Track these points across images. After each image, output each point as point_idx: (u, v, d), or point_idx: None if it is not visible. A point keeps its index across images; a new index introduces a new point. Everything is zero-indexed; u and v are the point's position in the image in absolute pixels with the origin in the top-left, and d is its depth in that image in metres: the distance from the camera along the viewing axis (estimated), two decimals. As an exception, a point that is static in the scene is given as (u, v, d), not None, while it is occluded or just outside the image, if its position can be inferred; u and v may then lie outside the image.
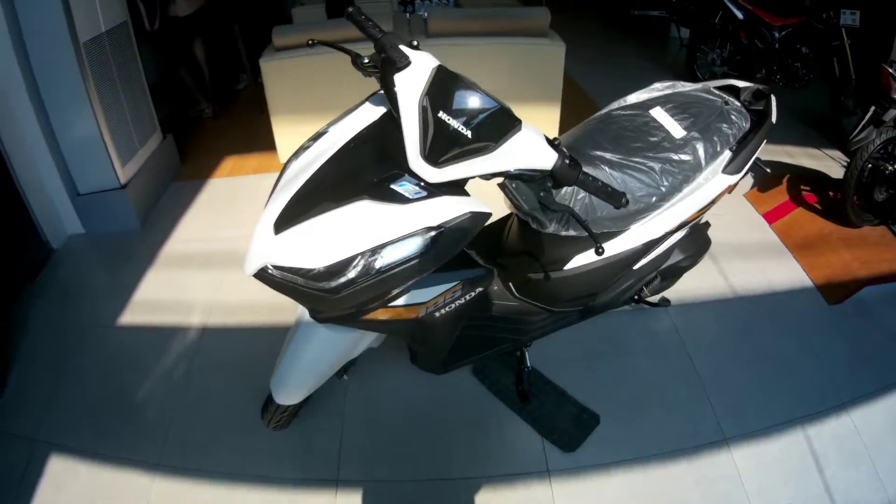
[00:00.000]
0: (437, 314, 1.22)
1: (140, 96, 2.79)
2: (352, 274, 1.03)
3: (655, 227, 1.59)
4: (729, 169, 1.66)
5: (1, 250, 2.25)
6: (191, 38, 3.59)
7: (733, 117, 1.70)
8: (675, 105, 1.70)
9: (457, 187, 1.11)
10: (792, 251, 2.49)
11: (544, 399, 1.79)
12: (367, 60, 1.13)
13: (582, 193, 1.45)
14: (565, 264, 1.58)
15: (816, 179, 2.88)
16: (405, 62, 1.04)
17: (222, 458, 1.67)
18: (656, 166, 1.54)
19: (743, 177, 1.74)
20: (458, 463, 1.64)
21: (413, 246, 1.03)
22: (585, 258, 1.57)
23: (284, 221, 1.07)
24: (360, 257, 1.02)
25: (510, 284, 1.77)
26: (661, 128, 1.62)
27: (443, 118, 1.01)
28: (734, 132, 1.68)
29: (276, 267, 1.06)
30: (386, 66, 1.06)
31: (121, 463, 1.68)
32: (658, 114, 1.65)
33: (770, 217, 2.70)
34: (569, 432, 1.70)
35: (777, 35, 3.55)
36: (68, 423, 1.79)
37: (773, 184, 2.87)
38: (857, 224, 2.53)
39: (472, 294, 1.26)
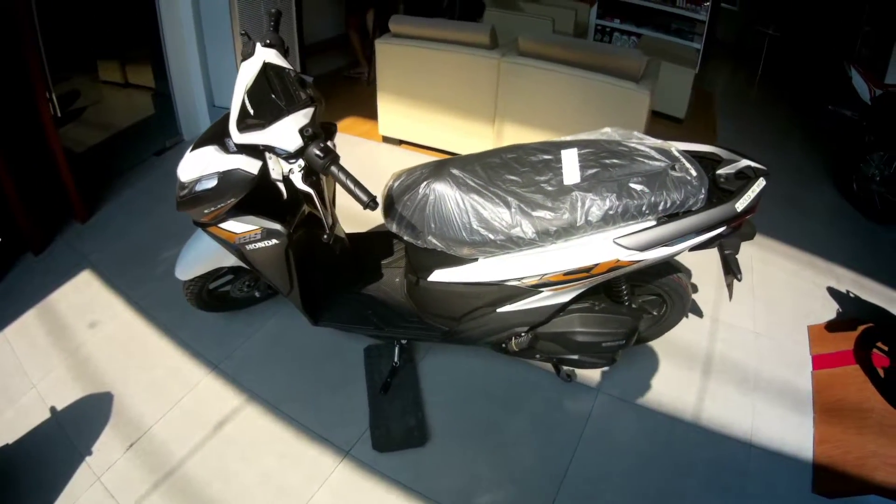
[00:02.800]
0: (248, 247, 1.64)
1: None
2: (185, 191, 1.55)
3: (503, 268, 1.63)
4: (627, 241, 1.56)
5: (142, 130, 3.36)
6: (364, 8, 4.46)
7: (669, 184, 1.57)
8: (595, 151, 1.65)
9: (259, 151, 1.51)
10: (816, 410, 2.11)
11: (399, 398, 2.00)
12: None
13: (433, 204, 1.62)
14: (429, 274, 1.77)
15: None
16: (250, 53, 1.48)
17: (172, 317, 2.33)
18: (513, 203, 1.56)
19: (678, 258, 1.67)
20: (293, 403, 2.00)
21: (210, 182, 1.50)
22: (443, 275, 1.73)
23: (192, 148, 1.65)
24: (194, 182, 1.53)
25: (406, 278, 2.05)
26: (557, 170, 1.61)
27: (245, 98, 1.43)
28: (661, 201, 1.55)
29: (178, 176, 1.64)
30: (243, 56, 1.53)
31: (119, 292, 2.47)
32: (567, 155, 1.64)
33: (819, 361, 2.32)
34: (391, 436, 1.89)
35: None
36: (111, 255, 2.66)
37: (845, 326, 2.43)
38: None
39: (269, 243, 1.63)
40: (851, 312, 2.58)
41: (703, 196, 1.59)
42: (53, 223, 2.83)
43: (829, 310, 2.60)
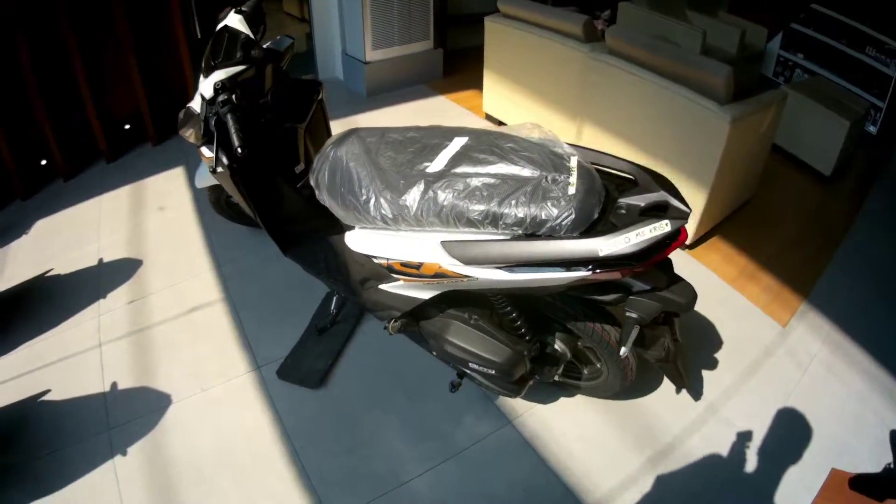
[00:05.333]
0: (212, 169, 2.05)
1: (417, 13, 4.10)
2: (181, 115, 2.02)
3: (367, 242, 1.69)
4: (452, 247, 1.49)
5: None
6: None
7: (524, 196, 1.44)
8: (476, 144, 1.61)
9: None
10: None
11: (325, 342, 2.30)
12: None
13: (330, 164, 1.76)
14: (344, 234, 1.83)
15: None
16: (224, 17, 1.88)
17: (214, 220, 2.93)
18: (376, 179, 1.60)
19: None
20: (250, 311, 2.45)
21: (183, 112, 1.97)
22: (347, 237, 1.79)
23: None
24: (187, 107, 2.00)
25: None
26: (433, 158, 1.61)
27: (206, 52, 1.86)
28: (504, 213, 1.44)
29: None
30: None
31: (191, 189, 3.19)
32: (455, 143, 1.64)
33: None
34: (295, 369, 2.19)
35: None
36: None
37: (875, 488, 1.74)
38: None
39: (220, 170, 1.97)
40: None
41: (567, 221, 1.41)
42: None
43: (875, 460, 1.99)
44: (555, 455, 1.95)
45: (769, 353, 2.34)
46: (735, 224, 3.04)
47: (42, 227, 2.97)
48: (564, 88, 3.22)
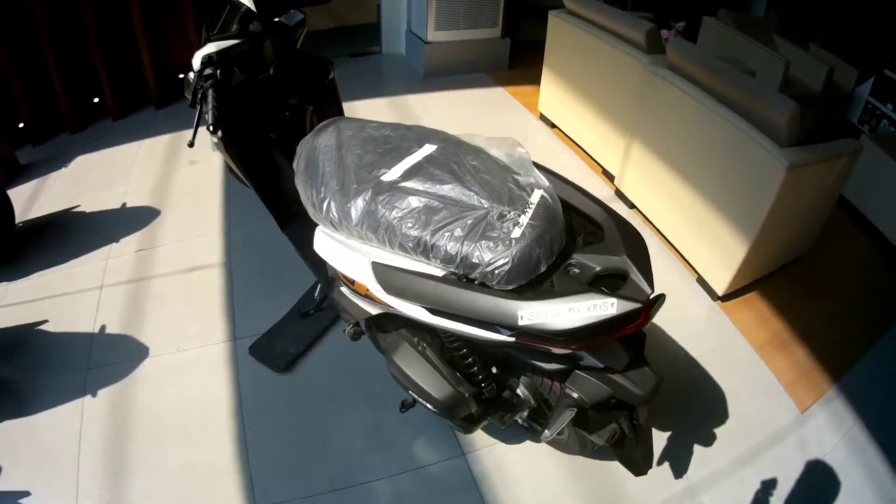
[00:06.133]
0: (212, 138, 2.06)
1: (487, 3, 4.02)
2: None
3: (322, 243, 1.57)
4: (380, 269, 1.37)
5: (358, 31, 4.31)
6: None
7: (460, 230, 1.26)
8: (440, 157, 1.46)
9: None
10: None
11: (304, 327, 2.30)
12: None
13: (306, 153, 1.69)
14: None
15: None
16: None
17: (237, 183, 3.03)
18: (336, 177, 1.48)
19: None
20: (244, 283, 2.50)
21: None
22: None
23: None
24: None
25: None
26: (395, 164, 1.48)
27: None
28: (433, 246, 1.28)
29: None
30: None
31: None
32: (421, 151, 1.50)
33: None
34: (267, 348, 2.21)
35: None
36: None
37: None
38: None
39: (214, 139, 1.98)
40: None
41: (501, 271, 1.22)
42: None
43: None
44: (500, 501, 1.85)
45: (777, 440, 2.10)
46: (778, 282, 2.76)
47: (81, 162, 3.16)
48: (619, 98, 3.02)
